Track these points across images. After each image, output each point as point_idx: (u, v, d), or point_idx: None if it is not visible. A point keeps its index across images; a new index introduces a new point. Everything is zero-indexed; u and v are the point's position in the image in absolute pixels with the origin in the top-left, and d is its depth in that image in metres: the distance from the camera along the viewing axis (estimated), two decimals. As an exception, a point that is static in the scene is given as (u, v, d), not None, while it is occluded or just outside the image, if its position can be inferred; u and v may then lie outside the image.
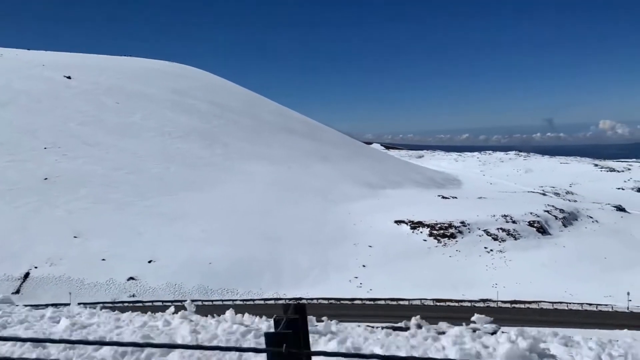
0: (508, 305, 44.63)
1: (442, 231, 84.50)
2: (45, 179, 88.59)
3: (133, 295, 62.57)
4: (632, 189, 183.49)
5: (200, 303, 48.48)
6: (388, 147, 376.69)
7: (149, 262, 69.60)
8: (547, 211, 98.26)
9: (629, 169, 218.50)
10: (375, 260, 75.93)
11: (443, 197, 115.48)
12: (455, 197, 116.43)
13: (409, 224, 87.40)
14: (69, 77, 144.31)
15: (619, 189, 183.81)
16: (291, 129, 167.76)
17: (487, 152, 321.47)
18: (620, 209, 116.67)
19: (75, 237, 73.58)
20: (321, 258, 75.53)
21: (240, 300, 53.77)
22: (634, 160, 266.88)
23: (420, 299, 50.40)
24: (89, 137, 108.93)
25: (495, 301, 46.59)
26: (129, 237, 75.46)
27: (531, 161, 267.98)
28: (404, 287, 63.88)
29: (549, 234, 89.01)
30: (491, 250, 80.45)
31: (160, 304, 52.87)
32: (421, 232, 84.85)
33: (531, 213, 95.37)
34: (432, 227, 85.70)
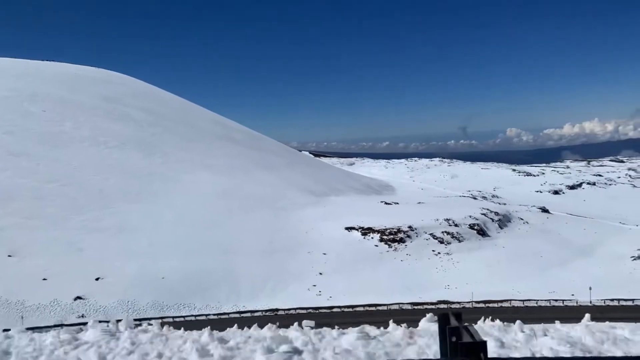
0: (482, 305, 47.18)
1: (392, 236, 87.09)
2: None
3: (82, 316, 58.71)
4: (549, 191, 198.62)
5: (171, 319, 46.70)
6: (317, 154, 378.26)
7: (97, 279, 65.72)
8: (484, 214, 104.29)
9: (543, 173, 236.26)
10: (331, 267, 76.75)
11: (386, 203, 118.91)
12: (397, 203, 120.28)
13: (359, 230, 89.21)
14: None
15: (537, 191, 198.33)
16: (230, 138, 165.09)
17: (413, 158, 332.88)
18: (544, 210, 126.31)
19: (9, 255, 67.89)
20: (277, 267, 75.16)
21: (215, 314, 52.13)
22: (545, 164, 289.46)
23: (398, 304, 51.75)
24: (16, 147, 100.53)
25: (469, 302, 49.05)
26: (70, 254, 70.79)
27: (455, 167, 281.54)
28: (363, 292, 65.28)
29: (488, 236, 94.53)
30: (439, 253, 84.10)
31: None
32: (372, 238, 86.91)
33: (470, 216, 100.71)
34: (382, 232, 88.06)
